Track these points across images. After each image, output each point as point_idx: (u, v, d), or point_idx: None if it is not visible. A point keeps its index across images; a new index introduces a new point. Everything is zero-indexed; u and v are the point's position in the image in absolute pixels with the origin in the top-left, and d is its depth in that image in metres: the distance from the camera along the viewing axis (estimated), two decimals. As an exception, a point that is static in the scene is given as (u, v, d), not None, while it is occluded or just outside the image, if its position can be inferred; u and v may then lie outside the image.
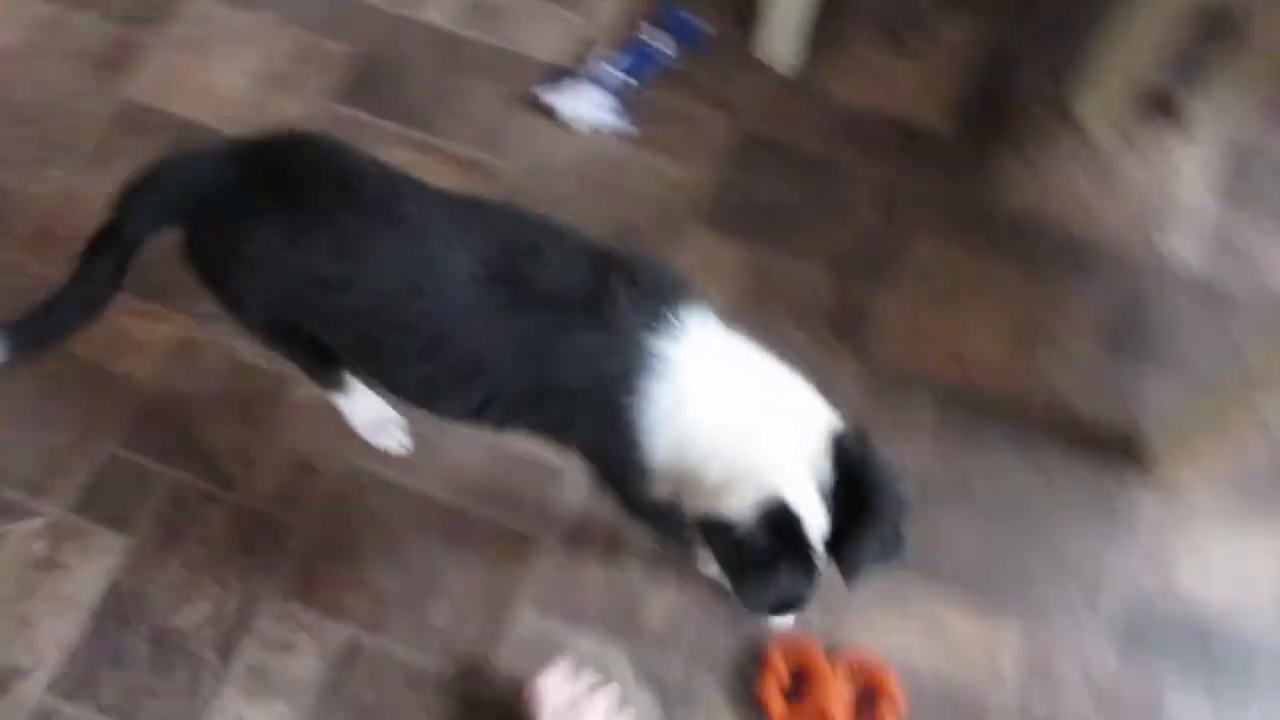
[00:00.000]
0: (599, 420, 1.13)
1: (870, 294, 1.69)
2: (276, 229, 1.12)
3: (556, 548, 1.50)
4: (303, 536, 1.49)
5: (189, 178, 1.18)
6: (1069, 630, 1.47)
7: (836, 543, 1.11)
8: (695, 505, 1.14)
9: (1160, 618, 1.48)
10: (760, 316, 1.63)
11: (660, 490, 1.17)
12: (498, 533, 1.51)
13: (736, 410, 1.12)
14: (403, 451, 1.53)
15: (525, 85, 1.83)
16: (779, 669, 1.41)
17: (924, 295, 1.69)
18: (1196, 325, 1.67)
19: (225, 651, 1.42)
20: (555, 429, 1.20)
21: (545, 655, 1.41)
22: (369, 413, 1.52)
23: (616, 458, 1.17)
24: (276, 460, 1.53)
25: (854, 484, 1.10)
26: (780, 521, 1.09)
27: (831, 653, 1.42)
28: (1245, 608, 1.49)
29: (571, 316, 1.10)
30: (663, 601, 1.47)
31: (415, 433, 1.55)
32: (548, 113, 1.80)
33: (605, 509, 1.50)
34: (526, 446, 1.53)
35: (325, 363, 1.36)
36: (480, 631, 1.45)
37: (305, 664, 1.42)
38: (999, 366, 1.65)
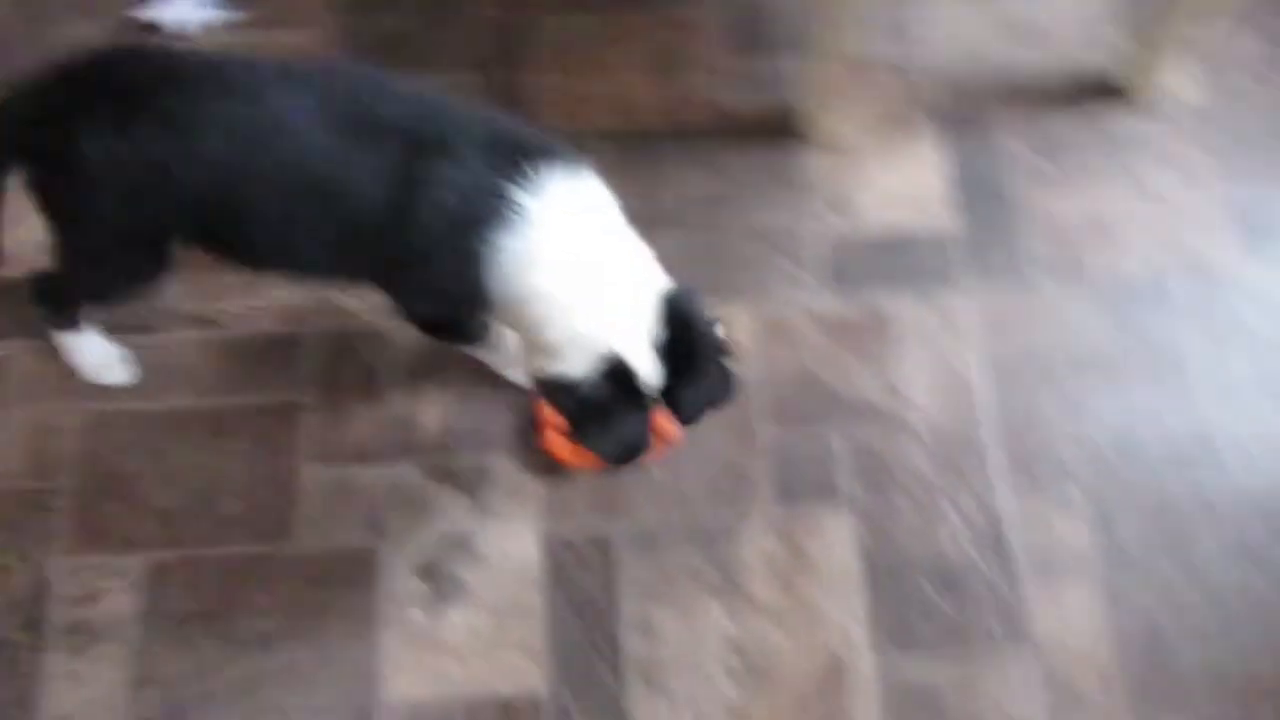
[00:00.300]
0: (448, 263, 1.19)
1: (518, 81, 1.77)
2: (105, 129, 1.13)
3: (315, 404, 1.55)
4: (66, 494, 1.48)
5: (7, 115, 1.21)
6: (787, 291, 1.64)
7: (670, 391, 1.24)
8: (536, 363, 1.24)
9: (857, 250, 1.67)
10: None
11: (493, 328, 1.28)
12: (255, 412, 1.54)
13: (581, 273, 1.20)
14: (132, 381, 1.53)
15: (119, 11, 1.80)
16: (551, 418, 1.52)
17: (567, 64, 1.79)
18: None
19: (33, 626, 1.41)
20: (404, 270, 1.25)
21: (342, 500, 1.48)
22: (95, 352, 1.51)
23: (454, 302, 1.25)
24: (14, 437, 1.51)
25: (682, 339, 1.23)
26: (618, 376, 1.20)
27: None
28: (921, 213, 1.70)
29: (427, 153, 1.14)
30: (432, 410, 1.55)
31: (138, 360, 1.55)
32: (153, 30, 1.78)
33: (350, 357, 1.57)
34: (248, 330, 1.57)
35: (137, 280, 1.37)
36: (273, 501, 1.49)
37: (117, 602, 1.43)
38: (654, 101, 1.77)
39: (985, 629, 1.46)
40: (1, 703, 1.38)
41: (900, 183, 1.72)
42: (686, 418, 1.30)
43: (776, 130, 1.75)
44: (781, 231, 1.67)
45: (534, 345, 1.25)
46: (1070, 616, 1.47)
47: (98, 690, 1.39)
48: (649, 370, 1.23)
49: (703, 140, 1.73)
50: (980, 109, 1.78)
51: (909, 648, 1.45)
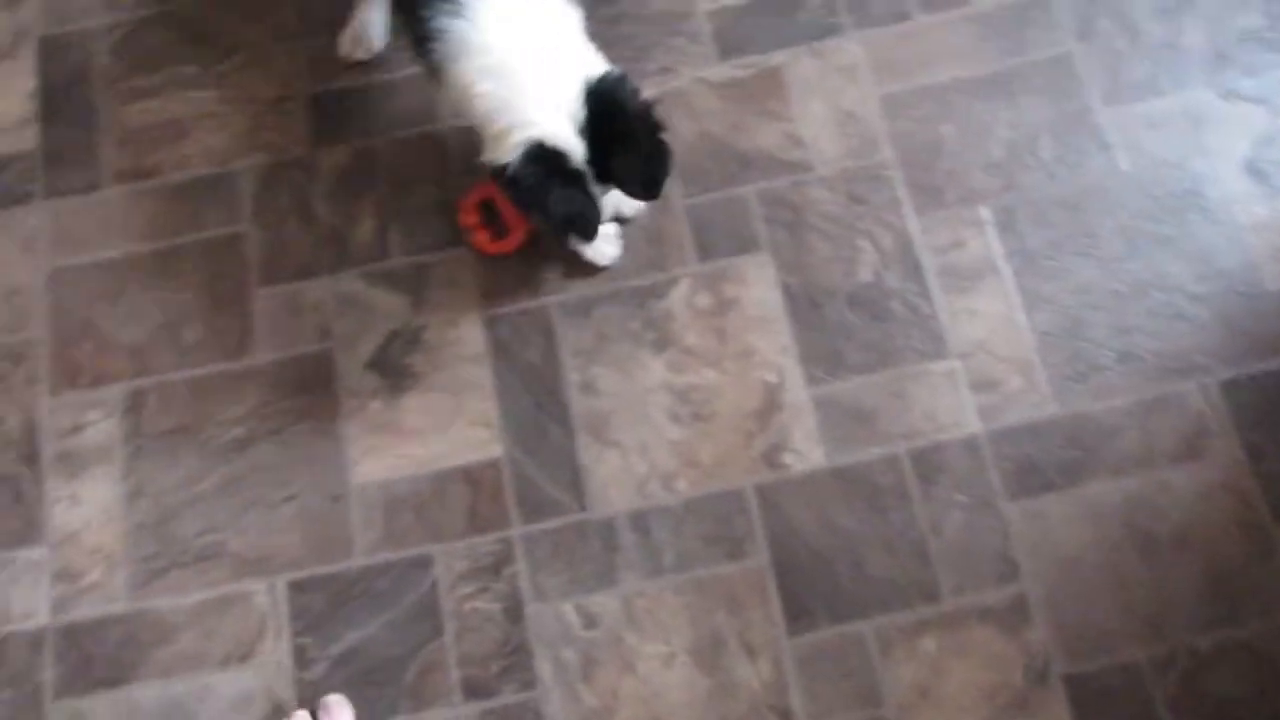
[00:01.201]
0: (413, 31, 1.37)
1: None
2: None
3: (256, 233, 1.65)
4: (40, 343, 1.60)
5: None
6: (682, 65, 1.70)
7: (606, 166, 1.34)
8: (487, 155, 1.36)
9: (739, 14, 1.72)
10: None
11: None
12: (202, 247, 1.64)
13: (510, 62, 1.32)
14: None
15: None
16: (473, 219, 1.61)
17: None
18: None
19: (30, 459, 1.55)
20: None
21: (297, 313, 1.59)
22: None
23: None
24: (-13, 306, 1.64)
25: (611, 117, 1.32)
26: (540, 155, 1.31)
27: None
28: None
29: None
30: (365, 223, 1.65)
31: (102, 219, 1.66)
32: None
33: (282, 187, 1.66)
34: (183, 176, 1.68)
35: None
36: (230, 324, 1.60)
37: (102, 429, 1.56)
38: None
39: (909, 346, 1.54)
40: (13, 529, 1.51)
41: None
42: (630, 190, 1.40)
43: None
44: (674, 13, 1.73)
45: (485, 138, 1.37)
46: (990, 323, 1.55)
47: (95, 507, 1.52)
48: (575, 148, 1.33)
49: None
50: None
51: (839, 372, 1.54)
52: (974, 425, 1.51)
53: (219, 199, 1.67)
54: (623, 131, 1.34)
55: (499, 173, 1.34)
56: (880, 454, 1.50)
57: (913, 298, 1.57)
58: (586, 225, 1.40)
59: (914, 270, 1.58)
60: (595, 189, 1.37)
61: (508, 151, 1.33)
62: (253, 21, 1.76)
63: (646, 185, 1.39)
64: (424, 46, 1.38)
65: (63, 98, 1.74)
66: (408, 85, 1.71)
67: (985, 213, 1.60)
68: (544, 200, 1.34)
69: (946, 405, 1.52)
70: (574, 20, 1.40)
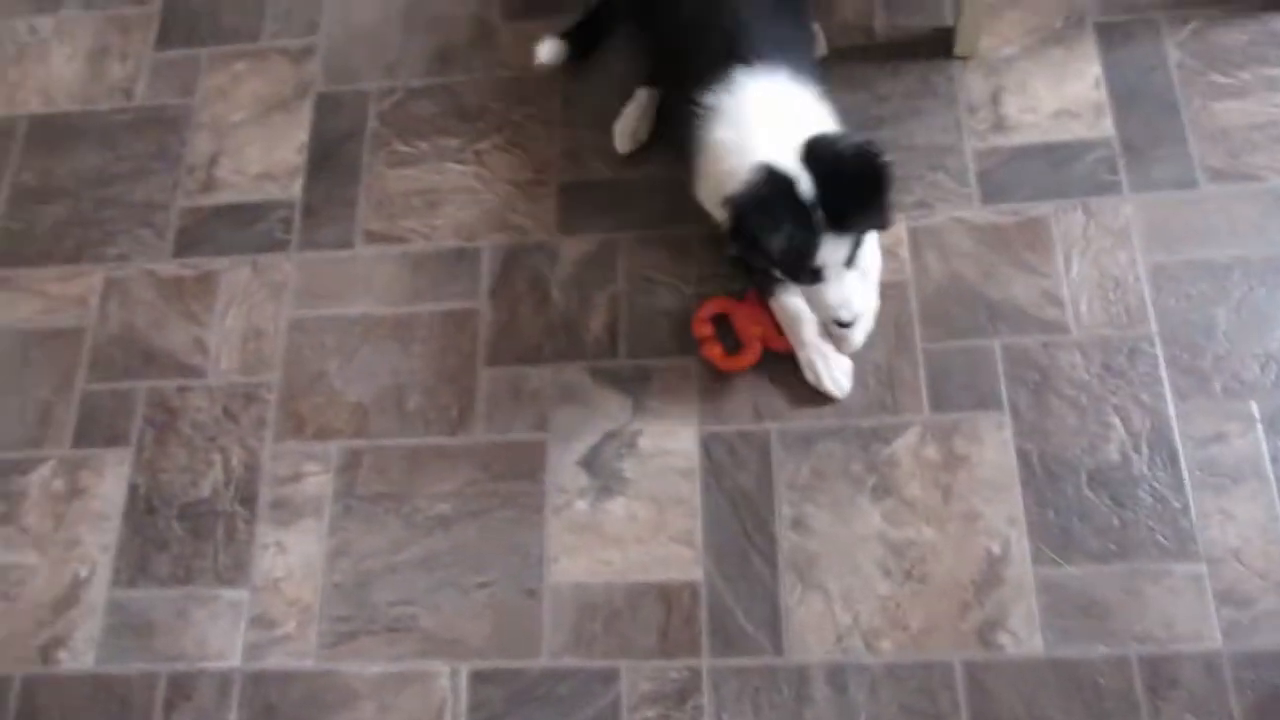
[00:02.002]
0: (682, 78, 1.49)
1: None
2: None
3: (491, 311, 1.67)
4: (273, 387, 1.65)
5: None
6: (946, 204, 1.64)
7: (828, 203, 1.33)
8: (718, 195, 1.39)
9: (1014, 160, 1.65)
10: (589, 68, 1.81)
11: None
12: (437, 318, 1.67)
13: (752, 117, 1.41)
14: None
15: (323, -31, 1.99)
16: (706, 330, 1.58)
17: None
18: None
19: (248, 500, 1.59)
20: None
21: (517, 398, 1.60)
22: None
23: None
24: (231, 340, 1.69)
25: (834, 158, 1.33)
26: (768, 179, 1.33)
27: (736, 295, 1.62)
28: (1079, 122, 1.67)
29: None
30: (596, 320, 1.64)
31: (347, 276, 1.71)
32: (351, -17, 1.96)
33: (523, 269, 1.68)
34: (430, 246, 1.71)
35: None
36: (453, 398, 1.62)
37: (317, 483, 1.59)
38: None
39: (1152, 540, 1.43)
40: (222, 567, 1.55)
41: (1058, 93, 1.69)
42: (859, 220, 1.37)
43: (929, 50, 1.75)
44: (939, 147, 1.68)
45: (716, 181, 1.41)
46: (1246, 530, 1.42)
47: (299, 559, 1.55)
48: (802, 178, 1.32)
49: (858, 64, 1.75)
50: (1141, 19, 1.73)
51: (1070, 554, 1.43)
52: (1216, 641, 1.38)
53: (460, 273, 1.69)
54: (843, 167, 1.33)
55: (729, 200, 1.34)
56: (1106, 653, 1.39)
57: (1162, 488, 1.45)
58: (800, 260, 1.36)
59: (1168, 458, 1.47)
60: (821, 234, 1.34)
61: (737, 182, 1.34)
62: (519, 105, 1.80)
63: (868, 207, 1.35)
64: (688, 121, 1.45)
65: (330, 154, 1.81)
66: (657, 185, 1.71)
67: (1255, 409, 1.48)
68: (766, 225, 1.32)
69: (1187, 613, 1.40)
70: (824, 111, 1.45)
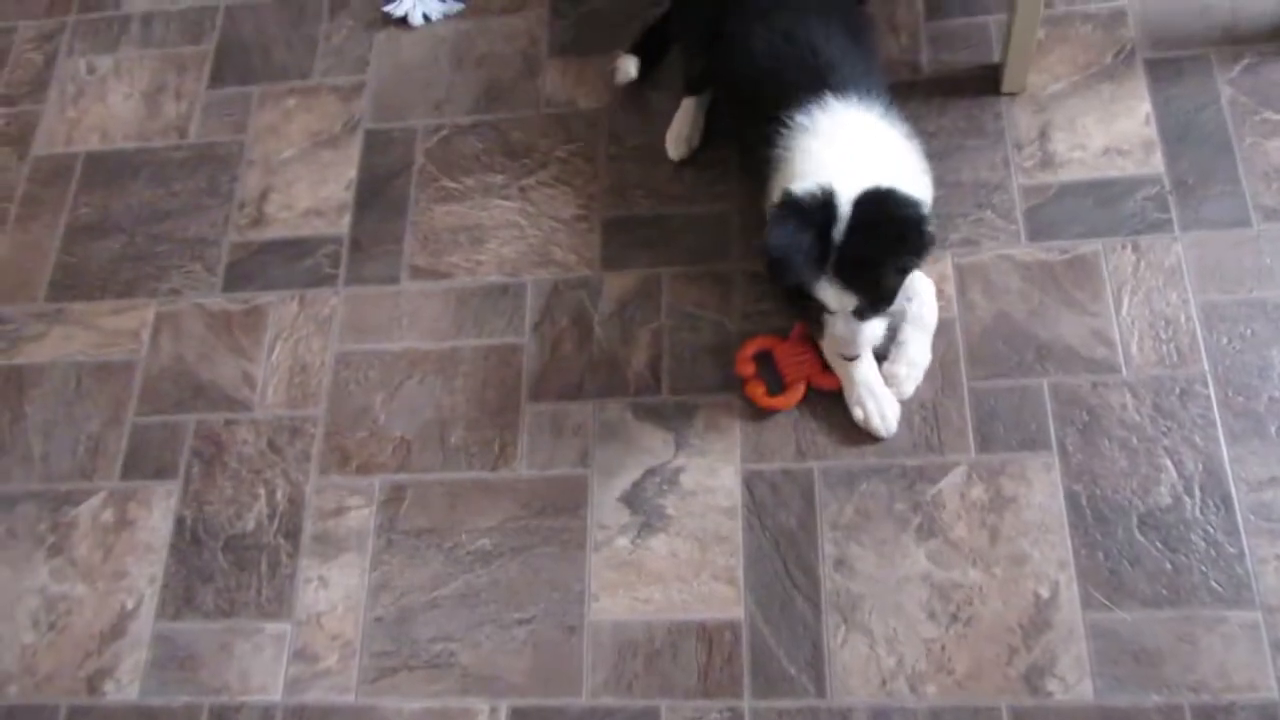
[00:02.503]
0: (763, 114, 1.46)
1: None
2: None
3: (534, 347, 1.67)
4: (318, 421, 1.67)
5: None
6: (994, 241, 1.63)
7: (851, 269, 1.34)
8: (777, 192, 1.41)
9: (1063, 198, 1.64)
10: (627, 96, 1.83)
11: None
12: (482, 353, 1.68)
13: (831, 144, 1.40)
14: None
15: (375, 8, 2.02)
16: (749, 369, 1.58)
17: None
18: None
19: (291, 534, 1.60)
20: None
21: (559, 434, 1.59)
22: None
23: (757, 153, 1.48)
24: (279, 372, 1.71)
25: (878, 211, 1.33)
26: (814, 200, 1.33)
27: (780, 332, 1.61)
28: (1129, 160, 1.65)
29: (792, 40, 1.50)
30: (639, 356, 1.64)
31: (392, 311, 1.73)
32: (402, 22, 1.99)
33: (566, 304, 1.69)
34: (473, 281, 1.73)
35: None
36: (495, 433, 1.62)
37: (360, 517, 1.60)
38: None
39: (1206, 587, 1.40)
40: (265, 600, 1.56)
41: (1107, 130, 1.67)
42: (852, 279, 1.36)
43: (978, 87, 1.74)
44: (985, 184, 1.67)
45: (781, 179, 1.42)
46: (1304, 577, 1.38)
47: (341, 593, 1.55)
48: (842, 219, 1.33)
49: (905, 100, 1.74)
50: (1192, 55, 1.71)
51: (1121, 600, 1.40)
52: (1272, 691, 1.34)
53: (504, 308, 1.70)
54: (878, 222, 1.33)
55: (785, 197, 1.35)
56: (1159, 702, 1.35)
57: (1216, 533, 1.42)
58: (783, 269, 1.34)
59: (1222, 502, 1.43)
60: (825, 277, 1.35)
61: (793, 186, 1.36)
62: (565, 141, 1.82)
63: (881, 265, 1.35)
64: (770, 137, 1.45)
65: (378, 190, 1.83)
66: (701, 221, 1.71)
67: (1314, 453, 1.44)
68: (777, 229, 1.32)
69: (1243, 662, 1.36)
70: (912, 150, 1.47)
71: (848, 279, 1.35)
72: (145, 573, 1.61)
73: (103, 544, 1.64)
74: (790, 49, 1.51)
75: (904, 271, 1.40)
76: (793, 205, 1.34)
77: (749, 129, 1.54)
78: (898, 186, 1.35)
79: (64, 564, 1.64)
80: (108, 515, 1.66)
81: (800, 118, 1.43)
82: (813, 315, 1.47)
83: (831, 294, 1.37)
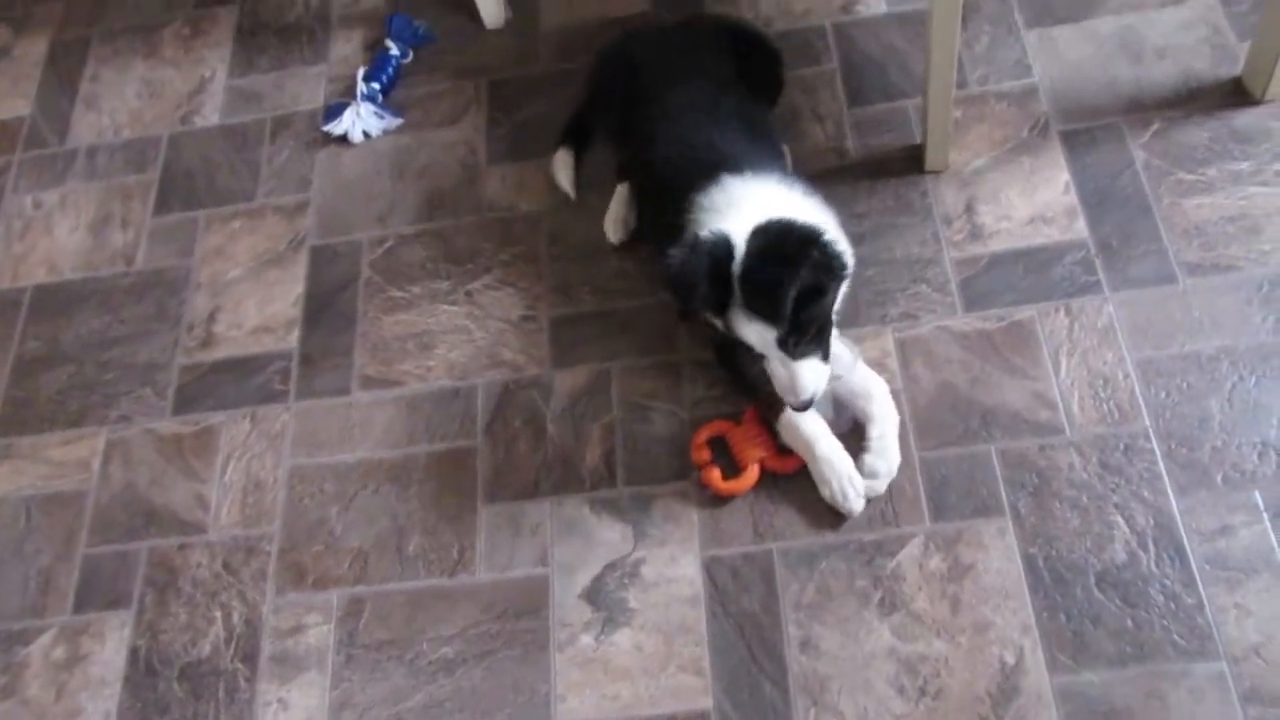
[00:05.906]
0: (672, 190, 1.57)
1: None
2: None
3: (488, 449, 1.67)
4: (273, 538, 1.65)
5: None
6: (929, 314, 1.67)
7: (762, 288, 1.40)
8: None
9: (993, 268, 1.69)
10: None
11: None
12: (435, 458, 1.68)
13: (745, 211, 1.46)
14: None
15: (316, 128, 2.07)
16: (704, 455, 1.59)
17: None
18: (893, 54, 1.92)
19: (249, 656, 1.56)
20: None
21: (517, 534, 1.59)
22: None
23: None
24: (227, 492, 1.70)
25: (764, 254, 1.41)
26: (715, 243, 1.42)
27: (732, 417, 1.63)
28: (1053, 227, 1.71)
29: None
30: (593, 451, 1.65)
31: (344, 423, 1.73)
32: (343, 140, 2.03)
33: (517, 405, 1.70)
34: (424, 388, 1.74)
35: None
36: (452, 538, 1.61)
37: (318, 634, 1.57)
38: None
39: (1169, 641, 1.40)
40: (229, 728, 1.53)
41: (1030, 200, 1.73)
42: (757, 307, 1.41)
43: (904, 168, 1.81)
44: (918, 259, 1.71)
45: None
46: (1267, 625, 1.39)
47: (301, 715, 1.52)
48: (738, 260, 1.41)
49: (834, 184, 1.80)
50: (1104, 124, 1.79)
51: (1086, 660, 1.40)
52: (1246, 742, 1.33)
53: (456, 412, 1.71)
54: (768, 247, 1.41)
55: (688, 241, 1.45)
56: (1134, 763, 1.34)
57: (1174, 585, 1.43)
58: (685, 293, 1.43)
59: (1176, 555, 1.44)
60: (734, 310, 1.42)
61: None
62: (507, 244, 1.85)
63: (762, 293, 1.39)
64: (678, 222, 1.53)
65: (326, 304, 1.85)
66: (647, 313, 1.74)
67: (1259, 498, 1.46)
68: (679, 261, 1.42)
69: (1212, 714, 1.35)
70: (813, 204, 1.53)
71: (755, 305, 1.39)
72: (100, 709, 1.56)
73: (55, 682, 1.60)
74: (691, 146, 1.59)
75: (817, 292, 1.40)
76: (690, 241, 1.44)
77: (658, 214, 1.62)
78: (793, 217, 1.43)
79: (15, 706, 1.59)
80: (59, 652, 1.62)
81: (700, 198, 1.51)
82: (760, 384, 1.51)
83: (749, 328, 1.42)
